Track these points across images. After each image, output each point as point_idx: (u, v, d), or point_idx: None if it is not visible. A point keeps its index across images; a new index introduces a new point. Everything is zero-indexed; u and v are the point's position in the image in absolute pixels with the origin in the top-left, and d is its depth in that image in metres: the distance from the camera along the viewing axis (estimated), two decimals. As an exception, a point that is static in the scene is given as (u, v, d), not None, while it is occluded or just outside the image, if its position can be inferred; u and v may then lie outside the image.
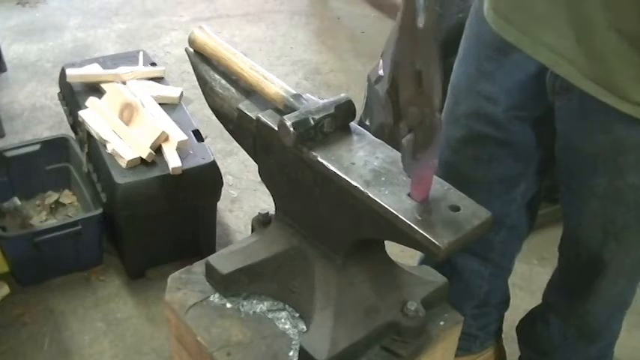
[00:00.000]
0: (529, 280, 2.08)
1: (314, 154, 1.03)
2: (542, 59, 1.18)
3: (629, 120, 1.11)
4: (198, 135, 2.00)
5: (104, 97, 2.06)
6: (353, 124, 1.10)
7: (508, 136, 1.35)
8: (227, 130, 1.21)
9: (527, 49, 1.19)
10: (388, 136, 1.00)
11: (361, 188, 0.98)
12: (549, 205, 1.68)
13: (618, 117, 1.12)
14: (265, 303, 1.18)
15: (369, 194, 0.97)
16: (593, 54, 1.10)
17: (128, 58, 2.29)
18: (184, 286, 1.20)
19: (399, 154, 1.05)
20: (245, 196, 2.40)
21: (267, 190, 1.20)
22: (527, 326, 1.66)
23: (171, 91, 2.14)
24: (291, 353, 1.10)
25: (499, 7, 1.23)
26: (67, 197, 2.21)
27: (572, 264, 1.44)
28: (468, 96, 1.36)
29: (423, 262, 1.57)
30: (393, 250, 1.15)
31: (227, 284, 1.17)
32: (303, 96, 1.09)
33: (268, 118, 1.09)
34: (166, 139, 1.92)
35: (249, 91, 1.17)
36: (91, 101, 2.04)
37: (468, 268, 1.56)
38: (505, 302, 1.73)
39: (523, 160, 1.39)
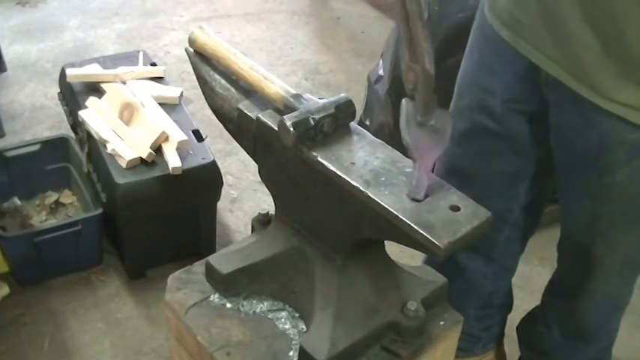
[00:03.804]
0: (529, 281, 2.08)
1: (314, 154, 1.03)
2: (534, 59, 1.20)
3: (616, 117, 1.13)
4: (198, 135, 2.00)
5: (104, 97, 2.06)
6: (353, 124, 1.10)
7: (507, 130, 1.36)
8: (227, 130, 1.21)
9: (521, 49, 1.22)
10: (388, 136, 1.00)
11: (361, 188, 0.98)
12: (549, 205, 1.68)
13: (606, 114, 1.14)
14: (265, 303, 1.18)
15: (369, 194, 0.97)
16: (571, 55, 1.13)
17: (128, 58, 2.29)
18: (184, 286, 1.20)
19: (399, 154, 1.05)
20: (245, 196, 2.40)
21: (267, 190, 1.20)
22: (527, 327, 1.66)
23: (171, 91, 2.14)
24: (291, 353, 1.10)
25: (495, 8, 1.26)
26: (67, 197, 2.21)
27: (567, 263, 1.45)
28: (470, 89, 1.38)
29: (426, 261, 1.57)
30: (393, 250, 1.15)
31: (227, 284, 1.17)
32: (303, 96, 1.09)
33: (268, 118, 1.09)
34: (166, 139, 1.92)
35: (249, 91, 1.17)
36: (91, 101, 2.04)
37: (471, 267, 1.56)
38: (508, 304, 1.73)
39: (523, 156, 1.40)
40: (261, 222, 1.24)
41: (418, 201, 0.97)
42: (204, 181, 1.96)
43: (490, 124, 1.36)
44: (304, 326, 1.14)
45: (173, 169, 1.85)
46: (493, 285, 1.62)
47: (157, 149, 1.91)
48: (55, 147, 2.15)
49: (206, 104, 1.24)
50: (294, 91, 1.10)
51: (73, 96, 2.15)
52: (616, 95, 1.11)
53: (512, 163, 1.41)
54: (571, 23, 1.09)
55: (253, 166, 1.19)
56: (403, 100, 0.96)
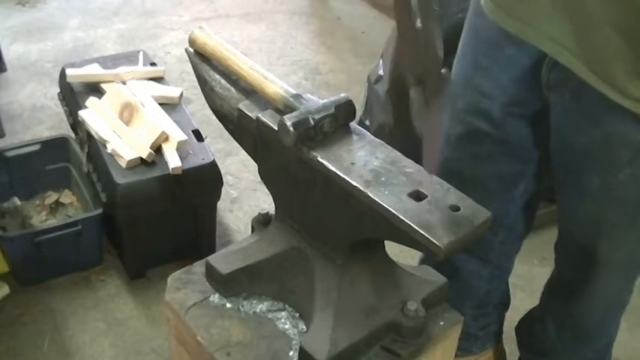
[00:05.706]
0: (529, 281, 2.08)
1: (314, 154, 1.03)
2: (545, 49, 1.17)
3: (623, 116, 1.12)
4: (198, 135, 2.00)
5: (104, 97, 2.06)
6: (353, 124, 1.10)
7: (504, 134, 1.35)
8: (227, 130, 1.21)
9: (531, 39, 1.18)
10: (388, 136, 1.00)
11: (361, 188, 0.98)
12: (549, 205, 1.68)
13: (611, 113, 1.12)
14: (265, 303, 1.18)
15: (369, 194, 0.97)
16: (591, 48, 1.10)
17: (128, 58, 2.29)
18: (184, 286, 1.20)
19: (399, 154, 1.05)
20: (245, 196, 2.40)
21: (267, 190, 1.20)
22: (526, 327, 1.66)
23: (171, 91, 2.14)
24: (291, 353, 1.10)
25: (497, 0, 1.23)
26: (67, 197, 2.21)
27: (566, 263, 1.45)
28: (465, 91, 1.36)
29: (423, 261, 1.57)
30: (393, 250, 1.15)
31: (227, 284, 1.17)
32: (303, 96, 1.09)
33: (268, 118, 1.09)
34: (166, 139, 1.92)
35: (249, 91, 1.17)
36: (91, 101, 2.04)
37: (467, 268, 1.56)
38: (505, 303, 1.73)
39: (520, 159, 1.39)
40: (261, 222, 1.24)
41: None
42: (204, 181, 1.96)
43: (486, 128, 1.35)
44: (304, 326, 1.14)
45: (173, 169, 1.86)
46: (489, 285, 1.62)
47: (157, 149, 1.91)
48: (55, 147, 2.15)
49: (206, 104, 1.24)
50: (294, 91, 1.10)
51: (73, 96, 2.15)
52: (633, 91, 1.09)
53: (509, 167, 1.40)
54: (593, 16, 1.06)
55: (253, 166, 1.19)
56: (411, 91, 0.96)
